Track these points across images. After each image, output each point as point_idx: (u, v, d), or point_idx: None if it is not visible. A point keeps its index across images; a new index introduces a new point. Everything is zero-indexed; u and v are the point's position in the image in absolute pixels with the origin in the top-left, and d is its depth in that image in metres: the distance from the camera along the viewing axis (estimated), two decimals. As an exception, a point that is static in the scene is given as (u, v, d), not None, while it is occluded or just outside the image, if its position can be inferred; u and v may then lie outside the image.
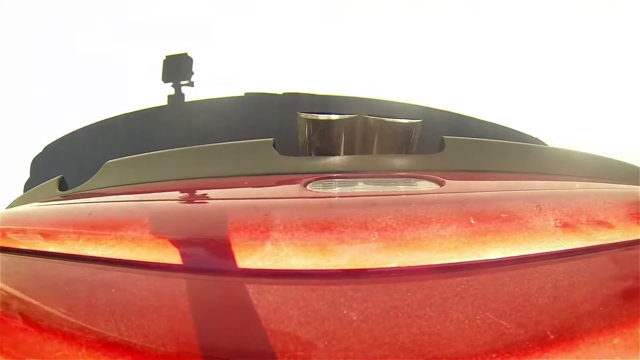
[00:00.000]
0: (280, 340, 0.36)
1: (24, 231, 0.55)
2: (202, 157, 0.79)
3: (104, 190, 0.72)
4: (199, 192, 0.68)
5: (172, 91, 1.35)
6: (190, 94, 1.36)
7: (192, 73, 1.34)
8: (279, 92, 1.34)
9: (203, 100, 1.35)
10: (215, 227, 0.49)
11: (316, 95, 1.34)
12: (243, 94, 1.35)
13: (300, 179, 0.64)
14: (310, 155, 0.88)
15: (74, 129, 1.37)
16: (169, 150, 0.82)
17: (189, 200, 0.65)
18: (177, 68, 1.34)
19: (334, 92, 1.35)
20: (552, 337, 0.35)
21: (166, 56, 1.33)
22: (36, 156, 1.38)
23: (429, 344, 0.35)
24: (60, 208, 0.63)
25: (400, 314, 0.38)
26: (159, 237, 0.48)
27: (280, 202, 0.57)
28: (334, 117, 0.85)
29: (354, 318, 0.37)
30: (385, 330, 0.37)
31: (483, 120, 1.39)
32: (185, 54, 1.33)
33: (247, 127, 1.35)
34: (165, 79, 1.34)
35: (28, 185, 1.37)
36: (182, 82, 1.34)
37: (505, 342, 0.35)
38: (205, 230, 0.50)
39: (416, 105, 1.35)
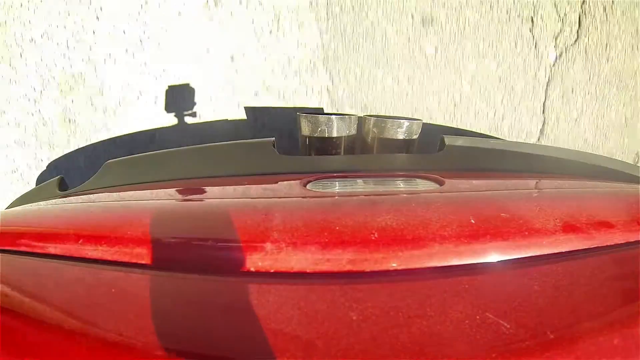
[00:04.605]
0: (280, 340, 0.36)
1: (24, 231, 0.55)
2: (202, 156, 0.79)
3: (103, 190, 0.72)
4: (198, 192, 0.68)
5: (175, 121, 1.36)
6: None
7: (195, 103, 1.35)
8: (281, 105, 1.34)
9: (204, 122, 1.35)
10: (215, 227, 0.49)
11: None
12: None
13: (300, 179, 0.64)
14: (310, 155, 0.88)
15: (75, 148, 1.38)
16: (169, 150, 0.82)
17: (188, 200, 0.65)
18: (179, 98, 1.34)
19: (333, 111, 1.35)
20: (552, 337, 0.35)
21: (169, 86, 1.34)
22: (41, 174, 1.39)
23: (429, 344, 0.35)
24: (60, 208, 0.63)
25: (400, 313, 0.38)
26: (159, 237, 0.48)
27: (280, 201, 0.57)
28: (333, 117, 0.85)
29: (354, 318, 0.37)
30: (385, 330, 0.37)
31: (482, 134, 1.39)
32: (188, 84, 1.33)
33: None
34: (168, 109, 1.34)
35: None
36: (185, 113, 1.35)
37: (505, 342, 0.35)
38: (205, 230, 0.50)
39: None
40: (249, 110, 1.34)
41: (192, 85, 1.34)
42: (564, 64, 1.33)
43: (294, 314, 0.38)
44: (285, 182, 0.68)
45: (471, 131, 1.37)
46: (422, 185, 0.64)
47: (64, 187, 0.77)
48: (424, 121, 0.89)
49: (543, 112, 1.35)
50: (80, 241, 0.48)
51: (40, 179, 1.39)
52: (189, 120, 1.35)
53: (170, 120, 1.36)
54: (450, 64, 1.32)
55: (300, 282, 0.42)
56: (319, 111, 0.90)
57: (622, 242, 0.47)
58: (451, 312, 0.38)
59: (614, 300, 0.41)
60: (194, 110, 1.35)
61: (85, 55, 1.32)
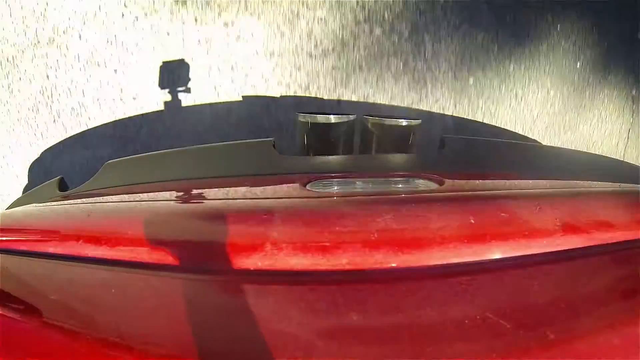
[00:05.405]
0: (280, 340, 0.36)
1: (24, 232, 0.55)
2: (202, 157, 0.79)
3: (103, 191, 0.72)
4: (198, 192, 0.68)
5: (169, 98, 1.37)
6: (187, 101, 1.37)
7: (189, 80, 1.35)
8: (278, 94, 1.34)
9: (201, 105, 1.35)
10: (215, 228, 0.49)
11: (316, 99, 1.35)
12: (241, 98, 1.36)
13: (300, 179, 0.64)
14: (309, 155, 0.88)
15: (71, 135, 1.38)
16: (169, 150, 0.81)
17: (188, 201, 0.65)
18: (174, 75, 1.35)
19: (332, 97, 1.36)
20: (552, 337, 0.35)
21: (163, 62, 1.34)
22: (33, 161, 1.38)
23: (429, 344, 0.35)
24: (60, 209, 0.63)
25: (400, 313, 0.38)
26: (159, 238, 0.48)
27: (280, 202, 0.57)
28: (332, 117, 0.85)
29: (354, 318, 0.37)
30: (385, 330, 0.37)
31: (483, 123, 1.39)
32: (182, 60, 1.34)
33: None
34: (162, 85, 1.34)
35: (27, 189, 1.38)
36: (179, 89, 1.35)
37: (505, 342, 0.35)
38: (205, 231, 0.50)
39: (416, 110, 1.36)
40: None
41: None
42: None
43: (294, 314, 0.38)
44: (284, 182, 0.68)
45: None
46: (422, 185, 0.64)
47: (64, 188, 0.77)
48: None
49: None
50: (80, 241, 0.48)
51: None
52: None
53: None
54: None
55: (300, 282, 0.42)
56: (318, 111, 0.90)
57: (622, 242, 0.47)
58: (451, 312, 0.38)
59: (614, 301, 0.41)
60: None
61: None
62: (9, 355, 0.35)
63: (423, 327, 0.37)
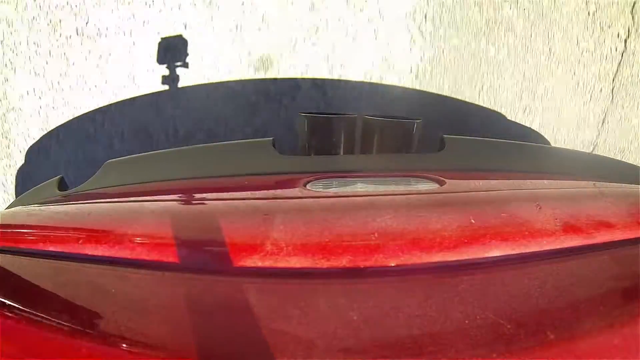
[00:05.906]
0: (280, 340, 0.36)
1: (24, 232, 0.55)
2: (202, 156, 0.79)
3: (103, 191, 0.72)
4: (198, 192, 0.68)
5: (166, 73, 1.37)
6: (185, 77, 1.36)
7: (187, 54, 1.35)
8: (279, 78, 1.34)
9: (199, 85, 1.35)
10: (215, 227, 0.49)
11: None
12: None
13: (300, 179, 0.64)
14: (309, 155, 0.88)
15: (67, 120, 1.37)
16: (169, 150, 0.81)
17: (188, 200, 0.65)
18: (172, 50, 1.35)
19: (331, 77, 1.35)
20: (552, 337, 0.35)
21: (161, 38, 1.34)
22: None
23: (429, 344, 0.35)
24: (60, 209, 0.63)
25: (400, 313, 0.38)
26: (159, 237, 0.48)
27: (280, 202, 0.57)
28: (333, 116, 0.85)
29: (354, 318, 0.37)
30: (385, 330, 0.37)
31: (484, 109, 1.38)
32: (180, 35, 1.34)
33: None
34: (160, 60, 1.35)
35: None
36: (177, 64, 1.35)
37: (505, 342, 0.35)
38: (205, 230, 0.50)
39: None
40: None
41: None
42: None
43: (294, 313, 0.38)
44: (285, 182, 0.68)
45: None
46: (422, 185, 0.64)
47: (64, 187, 0.77)
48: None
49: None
50: (80, 241, 0.48)
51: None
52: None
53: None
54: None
55: (300, 282, 0.42)
56: (320, 111, 0.91)
57: (622, 241, 0.47)
58: (451, 312, 0.38)
59: (614, 301, 0.41)
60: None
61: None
62: (9, 355, 0.35)
63: (423, 327, 0.37)
